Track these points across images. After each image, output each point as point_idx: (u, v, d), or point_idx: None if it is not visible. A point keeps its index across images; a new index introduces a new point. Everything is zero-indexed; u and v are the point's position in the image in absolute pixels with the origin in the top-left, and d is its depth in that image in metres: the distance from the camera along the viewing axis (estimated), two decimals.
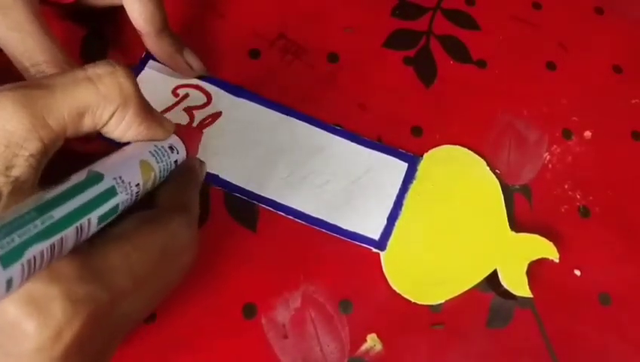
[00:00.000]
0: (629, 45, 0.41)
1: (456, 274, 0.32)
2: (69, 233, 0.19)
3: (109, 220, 0.22)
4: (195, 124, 0.34)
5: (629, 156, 0.37)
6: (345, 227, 0.33)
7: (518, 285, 0.32)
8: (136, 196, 0.23)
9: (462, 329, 0.32)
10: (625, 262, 0.34)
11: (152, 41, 0.33)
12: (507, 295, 0.32)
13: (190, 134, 0.28)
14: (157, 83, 0.35)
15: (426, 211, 0.34)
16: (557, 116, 0.38)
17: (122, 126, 0.23)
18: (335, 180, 0.34)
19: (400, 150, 0.35)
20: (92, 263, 0.21)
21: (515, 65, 0.39)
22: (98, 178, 0.21)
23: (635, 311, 0.33)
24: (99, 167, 0.22)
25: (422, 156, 0.35)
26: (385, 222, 0.33)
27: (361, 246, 0.32)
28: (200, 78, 0.35)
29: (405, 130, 0.36)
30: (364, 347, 0.30)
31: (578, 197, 0.36)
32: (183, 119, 0.34)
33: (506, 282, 0.32)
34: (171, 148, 0.26)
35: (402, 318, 0.31)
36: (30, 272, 0.18)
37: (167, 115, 0.34)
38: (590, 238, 0.35)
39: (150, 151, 0.25)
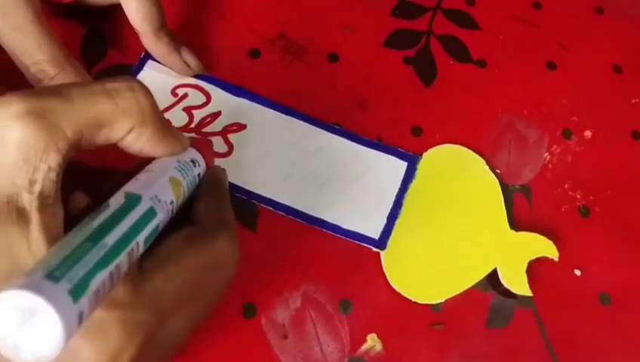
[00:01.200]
0: (629, 45, 0.41)
1: (456, 273, 0.32)
2: (123, 259, 0.19)
3: (151, 241, 0.22)
4: (194, 124, 0.34)
5: (630, 156, 0.37)
6: (345, 226, 0.33)
7: (518, 284, 0.32)
8: (172, 213, 0.23)
9: (462, 328, 0.32)
10: (625, 262, 0.34)
11: (149, 40, 0.33)
12: (508, 294, 0.32)
13: (202, 145, 0.28)
14: (156, 82, 0.35)
15: (426, 210, 0.34)
16: (557, 116, 0.38)
17: (139, 143, 0.23)
18: (335, 180, 0.34)
19: (399, 149, 0.35)
20: (143, 288, 0.21)
21: (515, 65, 0.39)
22: (137, 200, 0.21)
23: (636, 312, 0.33)
24: (133, 188, 0.22)
25: (421, 155, 0.35)
26: (385, 221, 0.33)
27: (361, 245, 0.32)
28: (199, 77, 0.35)
29: (405, 130, 0.36)
30: (364, 347, 0.30)
31: (578, 197, 0.36)
32: (183, 119, 0.34)
33: (506, 281, 0.32)
34: (193, 161, 0.26)
35: (402, 318, 0.31)
36: (96, 303, 0.17)
37: (167, 115, 0.34)
38: (590, 238, 0.35)
39: (175, 167, 0.25)
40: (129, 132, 0.22)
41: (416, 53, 0.39)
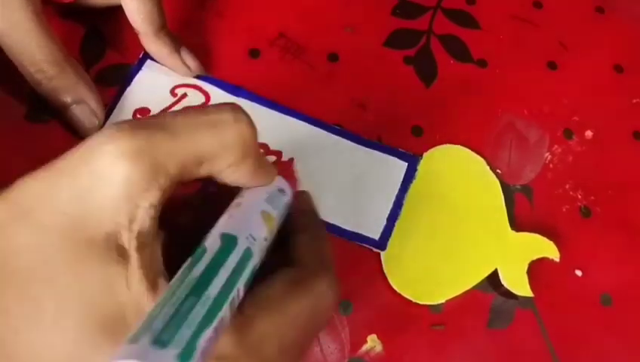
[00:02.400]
0: (630, 44, 0.41)
1: (456, 273, 0.32)
2: (226, 309, 0.18)
3: (249, 285, 0.20)
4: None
5: (631, 156, 0.37)
6: (345, 227, 0.32)
7: (519, 285, 0.32)
8: (265, 251, 0.22)
9: (462, 329, 0.31)
10: (626, 262, 0.34)
11: (149, 41, 0.33)
12: (508, 294, 0.32)
13: (285, 169, 0.27)
14: (155, 83, 0.35)
15: (426, 211, 0.33)
16: (558, 116, 0.38)
17: (237, 175, 0.22)
18: (335, 180, 0.34)
19: (399, 150, 0.35)
20: (247, 338, 0.20)
21: (515, 64, 0.39)
22: (233, 241, 0.20)
23: (636, 312, 0.33)
24: (228, 227, 0.21)
25: (421, 156, 0.35)
26: (385, 221, 0.33)
27: (361, 246, 0.32)
28: (198, 77, 0.35)
29: (405, 130, 0.36)
30: (365, 348, 0.30)
31: (579, 197, 0.36)
32: None
33: (506, 282, 0.32)
34: (280, 190, 0.25)
35: (402, 319, 0.31)
36: (205, 360, 0.17)
37: None
38: (591, 238, 0.34)
39: (265, 200, 0.23)
40: (229, 166, 0.21)
41: (417, 53, 0.38)
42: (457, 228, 0.33)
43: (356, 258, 0.32)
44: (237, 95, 0.35)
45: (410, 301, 0.31)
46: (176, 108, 0.34)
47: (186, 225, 0.23)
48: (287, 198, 0.25)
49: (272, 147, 0.34)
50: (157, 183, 0.19)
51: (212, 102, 0.35)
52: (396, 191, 0.34)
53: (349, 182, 0.34)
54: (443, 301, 0.32)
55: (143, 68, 0.35)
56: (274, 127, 0.34)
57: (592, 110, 0.38)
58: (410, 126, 0.36)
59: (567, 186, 0.36)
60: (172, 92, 0.35)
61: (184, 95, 0.35)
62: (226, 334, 0.19)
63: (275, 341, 0.21)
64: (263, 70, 0.36)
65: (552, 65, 0.39)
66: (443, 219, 0.33)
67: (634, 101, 0.39)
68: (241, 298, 0.20)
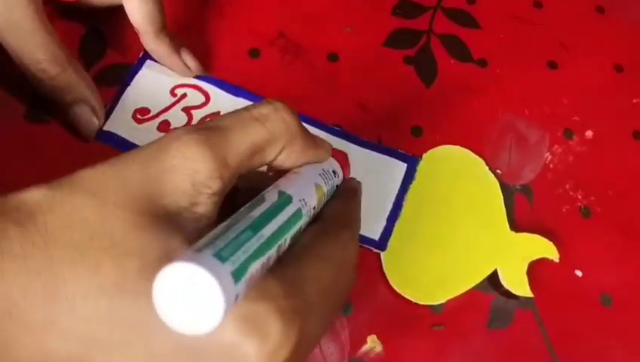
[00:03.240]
0: (630, 44, 0.41)
1: (456, 274, 0.32)
2: (273, 252, 0.20)
3: (293, 241, 0.23)
4: (193, 124, 0.34)
5: (631, 156, 0.37)
6: None
7: (519, 285, 0.32)
8: (311, 218, 0.24)
9: (462, 330, 0.31)
10: (626, 262, 0.34)
11: (150, 41, 0.33)
12: (509, 295, 0.32)
13: (339, 156, 0.29)
14: (155, 83, 0.35)
15: (426, 211, 0.33)
16: (558, 116, 0.38)
17: (290, 160, 0.24)
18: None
19: (399, 151, 0.35)
20: (289, 278, 0.21)
21: (515, 64, 0.39)
22: (289, 200, 0.22)
23: (636, 312, 0.33)
24: (286, 187, 0.23)
25: (421, 156, 0.35)
26: (385, 222, 0.33)
27: (361, 246, 0.32)
28: (198, 77, 0.35)
29: (405, 130, 0.36)
30: (364, 348, 0.30)
31: (579, 197, 0.36)
32: (182, 119, 0.34)
33: (506, 282, 0.32)
34: (334, 172, 0.27)
35: (402, 319, 0.31)
36: (248, 289, 0.18)
37: (165, 115, 0.34)
38: (591, 239, 0.34)
39: (320, 175, 0.26)
40: (280, 151, 0.24)
41: (417, 53, 0.38)
42: (457, 229, 0.33)
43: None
44: (237, 95, 0.35)
45: (411, 301, 0.31)
46: (176, 108, 0.34)
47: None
48: (337, 180, 0.28)
49: None
50: (219, 173, 0.21)
51: (212, 102, 0.35)
52: (396, 192, 0.34)
53: None
54: (443, 301, 0.32)
55: (142, 68, 0.35)
56: None
57: (592, 110, 0.38)
58: (410, 126, 0.36)
59: (567, 186, 0.36)
60: (172, 92, 0.35)
61: (184, 95, 0.35)
62: (268, 276, 0.20)
63: (314, 281, 0.22)
64: (263, 70, 0.36)
65: (552, 65, 0.39)
66: (442, 220, 0.33)
67: (634, 101, 0.39)
68: (285, 248, 0.21)
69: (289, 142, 0.24)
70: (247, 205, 0.21)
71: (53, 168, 0.22)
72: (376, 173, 0.34)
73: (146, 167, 0.20)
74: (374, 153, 0.34)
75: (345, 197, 0.27)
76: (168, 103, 0.34)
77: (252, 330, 0.19)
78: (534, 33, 0.40)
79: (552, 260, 0.32)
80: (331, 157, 0.27)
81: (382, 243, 0.32)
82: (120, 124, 0.33)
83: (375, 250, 0.32)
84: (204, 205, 0.21)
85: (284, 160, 0.24)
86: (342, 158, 0.29)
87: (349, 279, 0.25)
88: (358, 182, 0.30)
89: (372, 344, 0.30)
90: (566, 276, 0.33)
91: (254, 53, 0.37)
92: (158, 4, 0.32)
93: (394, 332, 0.31)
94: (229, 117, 0.23)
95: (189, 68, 0.34)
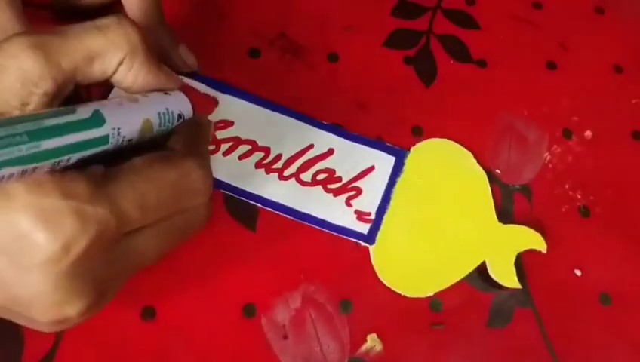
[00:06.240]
0: (629, 45, 0.41)
1: (445, 266, 0.32)
2: (45, 164, 0.20)
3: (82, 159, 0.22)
4: None
5: (630, 156, 0.37)
6: (334, 221, 0.32)
7: (506, 276, 0.32)
8: (119, 147, 0.23)
9: (462, 329, 0.31)
10: (625, 262, 0.34)
11: (147, 36, 0.33)
12: (508, 289, 0.32)
13: (204, 102, 0.28)
14: None
15: (414, 204, 0.34)
16: (557, 116, 0.38)
17: (130, 74, 0.24)
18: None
19: (387, 143, 0.35)
20: (104, 188, 0.21)
21: (515, 64, 0.39)
22: (100, 122, 0.22)
23: (636, 311, 0.33)
24: (106, 110, 0.22)
25: (409, 150, 0.35)
26: (373, 215, 0.33)
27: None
28: (193, 76, 0.35)
29: (405, 130, 0.36)
30: (365, 347, 0.30)
31: (579, 197, 0.36)
32: None
33: (494, 273, 0.32)
34: (180, 115, 0.26)
35: (402, 318, 0.31)
36: None
37: None
38: (591, 238, 0.35)
39: (159, 113, 0.25)
40: (120, 63, 0.24)
41: (417, 53, 0.38)
42: (445, 221, 0.33)
43: (356, 258, 0.32)
44: (234, 94, 0.35)
45: (411, 301, 0.31)
46: None
47: None
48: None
49: (274, 150, 0.34)
50: (50, 74, 0.22)
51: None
52: (384, 185, 0.34)
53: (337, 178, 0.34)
54: (432, 293, 0.32)
55: None
56: (272, 126, 0.34)
57: (591, 110, 0.38)
58: (410, 126, 0.36)
59: (566, 186, 0.36)
60: None
61: None
62: (84, 179, 0.21)
63: (134, 199, 0.22)
64: (263, 70, 0.36)
65: (551, 66, 0.40)
66: (430, 212, 0.34)
67: (633, 101, 0.39)
68: (66, 165, 0.21)
69: (130, 55, 0.24)
70: (55, 109, 0.21)
71: None
72: (365, 167, 0.34)
73: None
74: (362, 146, 0.35)
75: (192, 131, 0.27)
76: None
77: (45, 223, 0.20)
78: (534, 34, 0.41)
79: (540, 251, 0.33)
80: (187, 103, 0.26)
81: (370, 237, 0.32)
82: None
83: (364, 244, 0.32)
84: (34, 104, 0.22)
85: (124, 73, 0.24)
86: (211, 103, 0.28)
87: (198, 213, 0.25)
88: (209, 121, 0.29)
89: (372, 342, 0.31)
90: (565, 275, 0.33)
91: (254, 53, 0.37)
92: None
93: (394, 331, 0.31)
94: (72, 25, 0.23)
95: (186, 63, 0.34)
